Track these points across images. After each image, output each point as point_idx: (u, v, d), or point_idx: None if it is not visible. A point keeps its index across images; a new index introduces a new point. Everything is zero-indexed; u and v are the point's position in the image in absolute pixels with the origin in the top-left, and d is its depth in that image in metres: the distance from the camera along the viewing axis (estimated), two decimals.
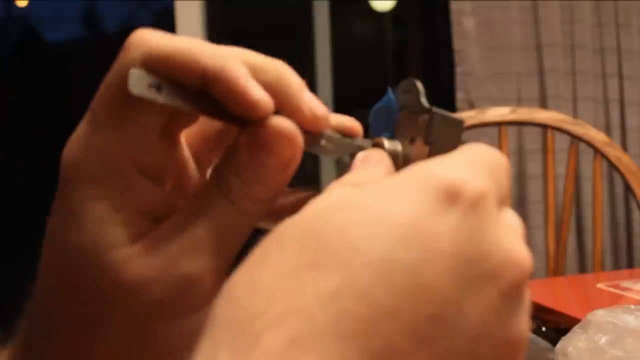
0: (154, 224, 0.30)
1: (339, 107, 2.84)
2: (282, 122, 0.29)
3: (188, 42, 0.29)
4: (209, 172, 0.35)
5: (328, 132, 0.32)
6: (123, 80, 0.29)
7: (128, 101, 0.29)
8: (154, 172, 0.31)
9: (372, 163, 0.31)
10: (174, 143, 0.33)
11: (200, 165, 0.35)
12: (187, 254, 0.30)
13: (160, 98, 0.28)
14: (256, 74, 0.30)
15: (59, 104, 3.08)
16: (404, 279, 0.23)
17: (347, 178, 0.29)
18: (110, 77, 0.30)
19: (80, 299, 0.30)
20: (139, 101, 0.29)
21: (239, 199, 0.30)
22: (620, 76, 2.03)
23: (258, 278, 0.23)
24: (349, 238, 0.23)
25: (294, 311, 0.22)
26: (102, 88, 0.30)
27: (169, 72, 0.29)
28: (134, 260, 0.29)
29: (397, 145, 0.33)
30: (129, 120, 0.30)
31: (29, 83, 3.12)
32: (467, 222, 0.24)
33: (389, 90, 0.34)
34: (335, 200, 0.25)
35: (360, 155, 0.31)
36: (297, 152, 0.30)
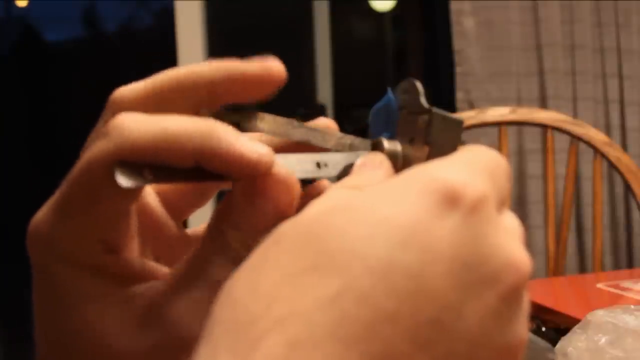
0: (137, 286, 0.30)
1: (339, 107, 2.84)
2: (279, 168, 0.29)
3: (171, 125, 0.28)
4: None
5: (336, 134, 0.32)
6: (99, 166, 0.28)
7: (104, 187, 0.28)
8: (122, 244, 0.31)
9: (372, 166, 0.31)
10: (142, 208, 0.32)
11: (176, 210, 0.35)
12: (186, 318, 0.29)
13: (151, 182, 0.28)
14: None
15: (59, 104, 3.08)
16: (404, 282, 0.23)
17: (347, 181, 0.29)
18: (85, 162, 0.28)
19: None
20: (115, 187, 0.27)
21: (237, 252, 0.29)
22: (620, 76, 2.03)
23: (258, 281, 0.23)
24: (349, 240, 0.23)
25: (293, 315, 0.22)
26: (77, 173, 0.29)
27: (156, 160, 0.28)
28: (131, 331, 0.29)
29: (397, 146, 0.33)
30: (103, 206, 0.29)
31: (28, 83, 3.12)
32: (466, 225, 0.24)
33: (389, 90, 0.34)
34: (335, 202, 0.25)
35: (359, 159, 0.31)
36: (295, 196, 0.29)
